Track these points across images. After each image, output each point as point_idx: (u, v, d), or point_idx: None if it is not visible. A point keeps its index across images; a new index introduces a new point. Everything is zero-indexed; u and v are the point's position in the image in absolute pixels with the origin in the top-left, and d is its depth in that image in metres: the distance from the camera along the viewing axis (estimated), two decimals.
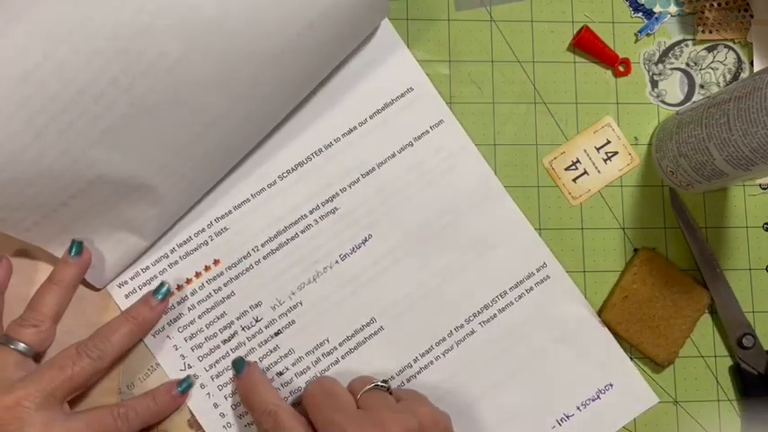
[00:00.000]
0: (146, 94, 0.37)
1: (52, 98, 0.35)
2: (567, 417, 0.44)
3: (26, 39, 0.34)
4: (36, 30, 0.34)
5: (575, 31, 0.47)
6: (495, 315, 0.44)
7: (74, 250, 0.40)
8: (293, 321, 0.44)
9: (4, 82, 0.35)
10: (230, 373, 0.43)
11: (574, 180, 0.46)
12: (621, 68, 0.47)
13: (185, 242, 0.43)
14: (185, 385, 0.42)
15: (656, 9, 0.48)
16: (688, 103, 0.47)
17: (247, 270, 0.44)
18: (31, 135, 0.36)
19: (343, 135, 0.45)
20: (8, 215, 0.38)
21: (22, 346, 0.39)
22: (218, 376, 0.43)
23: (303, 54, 0.39)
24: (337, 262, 0.44)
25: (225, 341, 0.43)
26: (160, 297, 0.41)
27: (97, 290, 0.43)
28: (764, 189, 0.47)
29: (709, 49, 0.48)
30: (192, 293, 0.43)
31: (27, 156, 0.36)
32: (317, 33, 0.39)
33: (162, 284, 0.42)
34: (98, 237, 0.41)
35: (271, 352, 0.43)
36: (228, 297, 0.43)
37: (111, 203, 0.40)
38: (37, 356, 0.40)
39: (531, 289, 0.45)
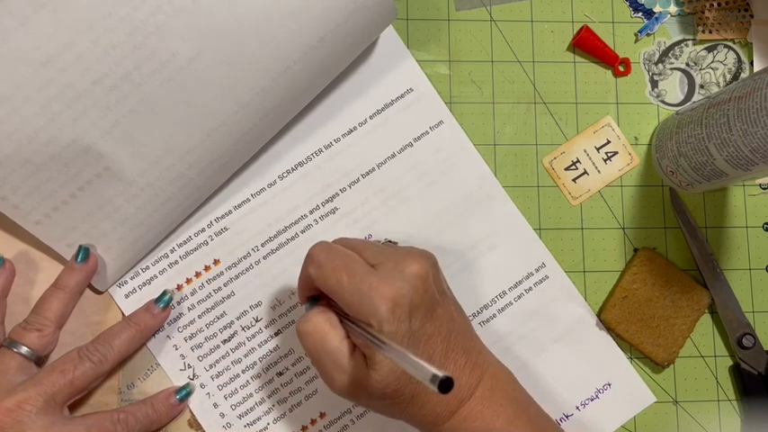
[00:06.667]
0: (156, 92, 0.38)
1: (69, 85, 0.37)
2: (567, 416, 0.44)
3: (51, 27, 0.36)
4: (62, 19, 0.36)
5: (575, 31, 0.47)
6: (494, 315, 0.44)
7: (80, 256, 0.40)
8: (293, 321, 0.44)
9: (27, 66, 0.37)
10: (230, 373, 0.43)
11: (574, 180, 0.46)
12: (621, 68, 0.47)
13: (185, 242, 0.44)
14: (184, 393, 0.42)
15: (656, 9, 0.48)
16: (688, 103, 0.47)
17: (247, 270, 0.44)
18: (46, 118, 0.38)
19: (344, 135, 0.45)
20: (20, 201, 0.39)
21: (24, 349, 0.39)
22: (218, 376, 0.43)
23: (313, 66, 0.40)
24: None
25: (225, 341, 0.43)
26: (162, 305, 0.42)
27: (100, 293, 0.43)
28: (764, 189, 0.47)
29: (709, 49, 0.48)
30: (192, 293, 0.43)
31: (40, 138, 0.38)
32: (329, 46, 0.39)
33: (164, 293, 0.42)
34: (104, 239, 0.41)
35: (271, 352, 0.43)
36: (228, 297, 0.43)
37: (117, 204, 0.40)
38: (39, 360, 0.40)
39: (530, 289, 0.45)
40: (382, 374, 0.33)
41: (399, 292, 0.33)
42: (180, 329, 0.43)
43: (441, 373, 0.26)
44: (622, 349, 0.45)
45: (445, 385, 0.26)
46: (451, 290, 0.39)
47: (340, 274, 0.34)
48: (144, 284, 0.43)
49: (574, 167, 0.46)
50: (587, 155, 0.47)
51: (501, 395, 0.36)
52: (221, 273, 0.44)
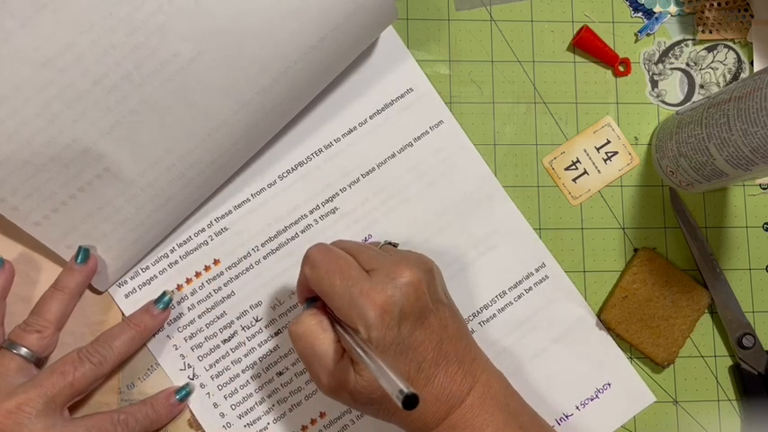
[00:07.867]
0: (156, 92, 0.38)
1: (69, 86, 0.37)
2: (566, 416, 0.44)
3: (52, 27, 0.36)
4: (62, 19, 0.36)
5: (575, 31, 0.47)
6: (494, 315, 0.44)
7: (80, 257, 0.40)
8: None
9: (27, 66, 0.37)
10: (230, 373, 0.43)
11: (574, 180, 0.46)
12: (621, 68, 0.47)
13: (185, 242, 0.44)
14: (184, 393, 0.42)
15: (656, 9, 0.48)
16: (688, 103, 0.47)
17: (247, 270, 0.44)
18: (46, 119, 0.38)
19: (344, 135, 0.45)
20: (20, 203, 0.39)
21: (24, 351, 0.39)
22: (218, 376, 0.43)
23: (313, 66, 0.40)
24: None
25: (225, 341, 0.43)
26: (162, 306, 0.42)
27: (100, 293, 0.43)
28: (764, 189, 0.47)
29: (709, 49, 0.48)
30: (192, 293, 0.43)
31: (40, 139, 0.38)
32: (329, 46, 0.39)
33: (164, 294, 0.42)
34: (104, 240, 0.41)
35: (271, 352, 0.43)
36: (228, 297, 0.43)
37: (117, 205, 0.40)
38: (39, 362, 0.40)
39: (530, 289, 0.45)
40: (368, 380, 0.33)
41: (390, 299, 0.33)
42: (180, 329, 0.43)
43: (406, 390, 0.26)
44: (622, 349, 0.45)
45: (409, 402, 0.26)
46: (451, 293, 0.39)
47: (333, 278, 0.34)
48: (144, 284, 0.43)
49: (574, 167, 0.46)
50: (587, 155, 0.47)
51: (492, 403, 0.36)
52: (221, 273, 0.44)
